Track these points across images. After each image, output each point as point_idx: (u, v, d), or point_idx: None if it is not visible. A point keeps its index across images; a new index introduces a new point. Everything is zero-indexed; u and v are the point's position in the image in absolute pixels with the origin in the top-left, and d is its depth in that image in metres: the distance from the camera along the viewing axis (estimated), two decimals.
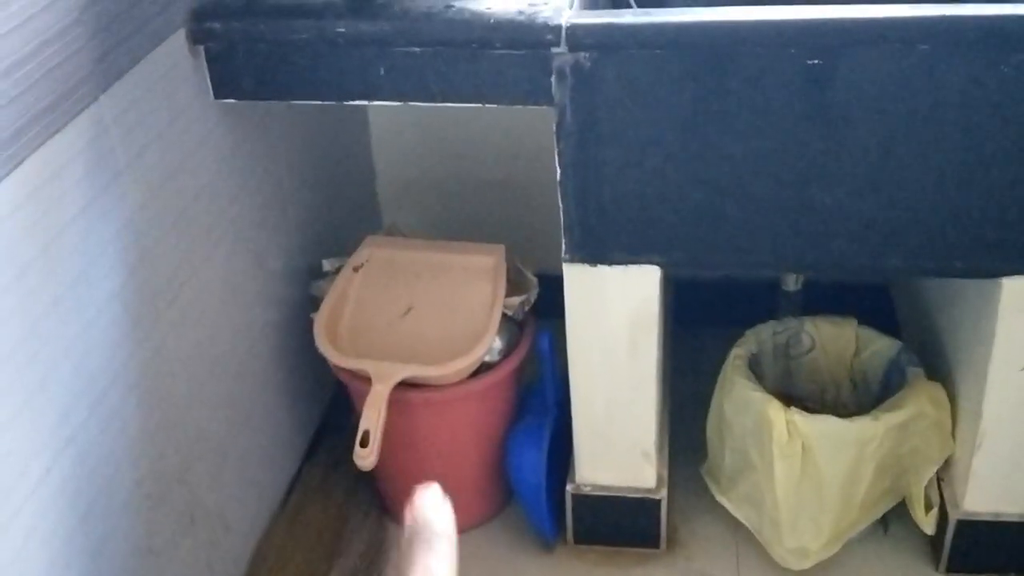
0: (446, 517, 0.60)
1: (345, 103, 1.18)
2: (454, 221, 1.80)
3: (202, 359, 1.22)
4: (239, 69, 1.18)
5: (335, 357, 1.31)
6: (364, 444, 1.24)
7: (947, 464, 1.37)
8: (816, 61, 1.09)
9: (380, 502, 1.51)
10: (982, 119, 1.09)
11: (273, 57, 1.16)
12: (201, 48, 1.17)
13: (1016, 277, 1.17)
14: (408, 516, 0.59)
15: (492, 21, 1.11)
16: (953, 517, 1.35)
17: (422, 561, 0.57)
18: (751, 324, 1.50)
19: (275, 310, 1.42)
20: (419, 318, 1.38)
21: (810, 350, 1.49)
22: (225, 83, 1.19)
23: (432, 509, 0.60)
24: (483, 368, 1.36)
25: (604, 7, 1.42)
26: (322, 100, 1.18)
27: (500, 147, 1.73)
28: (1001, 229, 1.14)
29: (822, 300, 1.54)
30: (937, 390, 1.34)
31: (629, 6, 1.51)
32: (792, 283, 1.53)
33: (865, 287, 1.70)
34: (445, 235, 1.55)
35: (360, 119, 1.75)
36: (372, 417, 1.24)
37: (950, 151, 1.11)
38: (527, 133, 1.67)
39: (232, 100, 1.21)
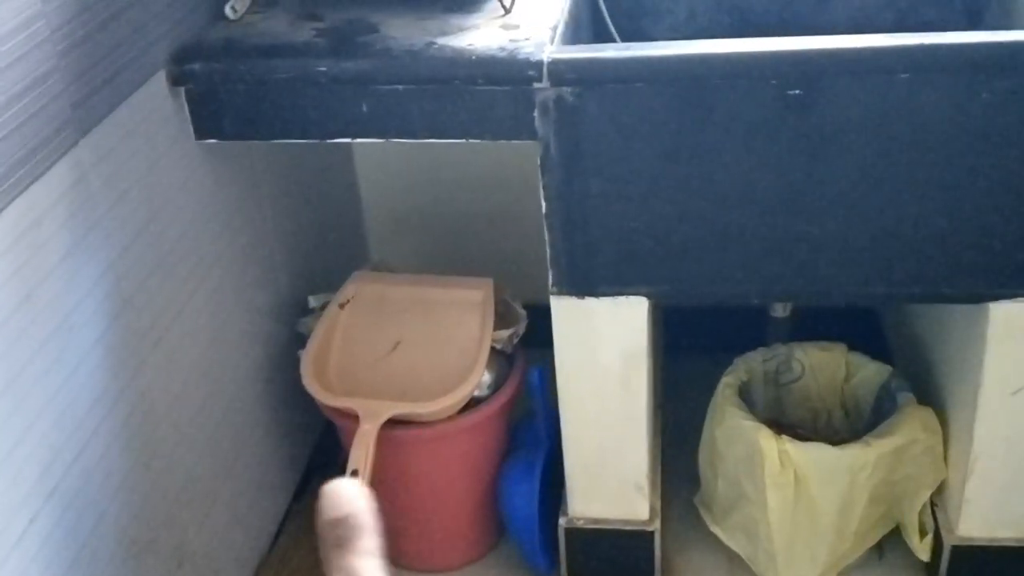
0: (366, 509, 0.52)
1: (328, 141, 1.18)
2: (443, 254, 1.79)
3: (188, 402, 1.21)
4: (220, 110, 1.17)
5: (322, 396, 1.30)
6: None
7: (940, 489, 1.36)
8: (797, 91, 1.09)
9: None
10: (964, 145, 1.09)
11: (254, 97, 1.16)
12: (181, 90, 1.17)
13: (1003, 302, 1.17)
14: (325, 513, 0.52)
15: (474, 58, 1.11)
16: (948, 543, 1.34)
17: (351, 565, 0.52)
18: (744, 349, 1.49)
19: (262, 348, 1.41)
20: (407, 354, 1.37)
21: (800, 376, 1.49)
22: (206, 124, 1.19)
23: (353, 500, 0.52)
24: (473, 403, 1.35)
25: (587, 41, 1.43)
26: (305, 139, 1.18)
27: (488, 179, 1.73)
28: (986, 254, 1.14)
29: (812, 325, 1.54)
30: (928, 415, 1.34)
31: (613, 39, 1.53)
32: (781, 310, 1.53)
33: (855, 312, 1.70)
34: (435, 268, 1.54)
35: (346, 154, 1.74)
36: (360, 456, 1.23)
37: (933, 178, 1.12)
38: (515, 165, 1.67)
39: (214, 140, 1.21)
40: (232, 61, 1.16)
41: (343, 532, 0.51)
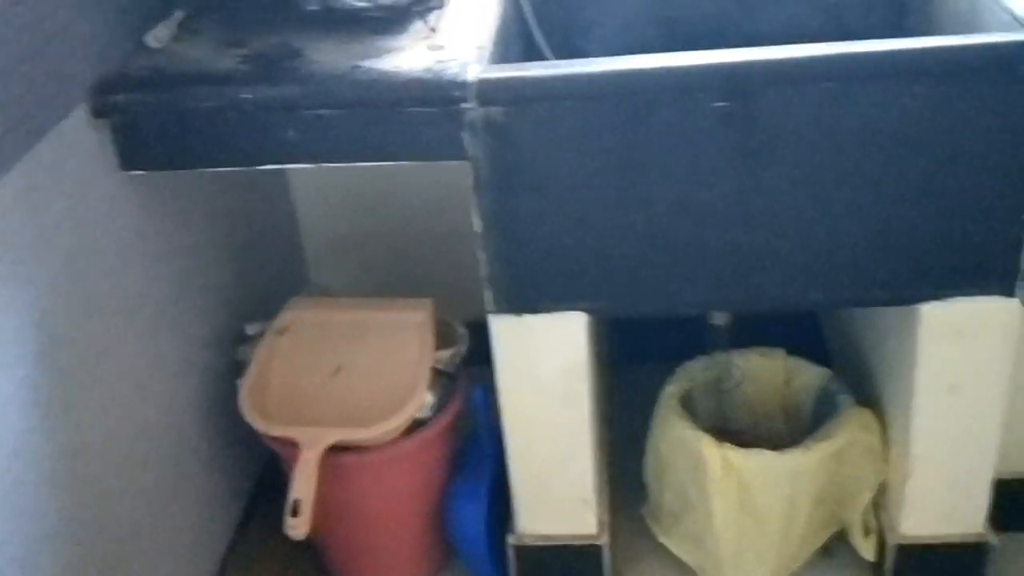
0: None
1: (257, 168, 1.17)
2: (385, 276, 1.78)
3: (122, 440, 1.18)
4: (145, 140, 1.16)
5: (261, 425, 1.29)
6: (295, 513, 1.21)
7: (883, 489, 1.38)
8: (724, 104, 1.10)
9: (321, 569, 1.48)
10: (888, 152, 1.11)
11: (179, 126, 1.14)
12: (105, 121, 1.15)
13: (933, 303, 1.19)
14: None
15: (399, 80, 1.10)
16: (892, 542, 1.36)
17: None
18: (690, 358, 1.50)
19: (200, 380, 1.39)
20: (348, 379, 1.36)
21: (741, 383, 1.50)
22: (132, 155, 1.17)
23: None
24: (417, 425, 1.34)
25: (517, 59, 1.43)
26: (232, 167, 1.16)
27: (426, 199, 1.72)
28: (915, 257, 1.16)
29: (752, 332, 1.55)
30: (867, 417, 1.36)
31: (544, 56, 1.53)
32: (720, 318, 1.54)
33: (795, 317, 1.72)
34: (376, 291, 1.53)
35: (282, 179, 1.73)
36: (302, 485, 1.22)
37: (860, 185, 1.13)
38: (452, 184, 1.64)
39: (141, 172, 1.19)
40: (155, 91, 1.14)
41: None
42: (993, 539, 1.34)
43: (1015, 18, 1.12)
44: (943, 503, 1.33)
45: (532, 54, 1.53)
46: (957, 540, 1.35)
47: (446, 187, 1.69)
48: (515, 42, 1.46)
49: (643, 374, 1.52)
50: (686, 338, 1.57)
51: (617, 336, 1.74)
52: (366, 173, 1.71)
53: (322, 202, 1.76)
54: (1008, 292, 1.18)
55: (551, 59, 1.54)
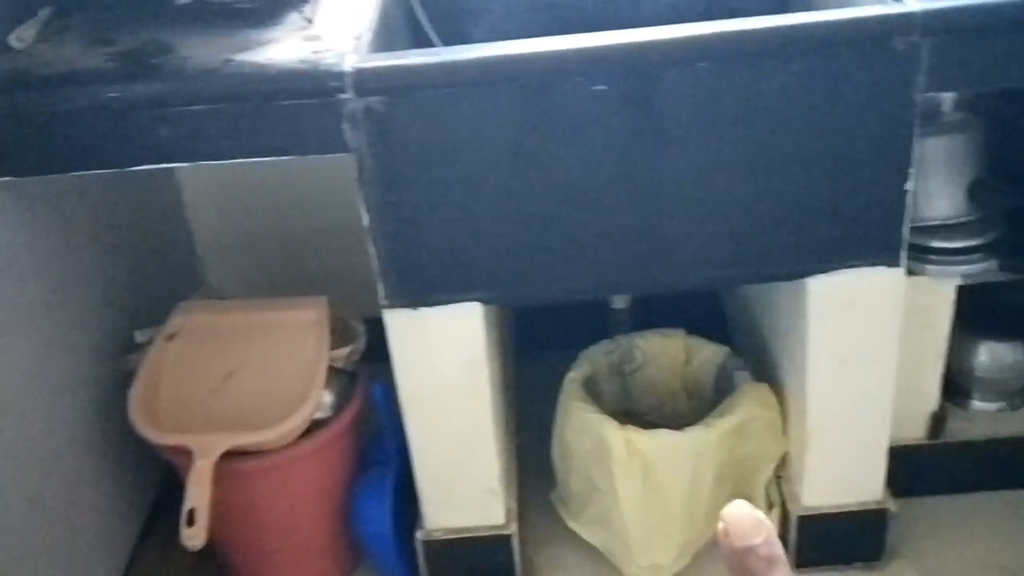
0: (769, 534, 0.45)
1: (130, 169, 1.12)
2: (281, 275, 1.75)
3: (6, 460, 1.13)
4: (11, 146, 1.10)
5: (152, 434, 1.25)
6: (191, 523, 1.18)
7: (784, 462, 1.40)
8: (606, 87, 1.09)
9: None
10: (770, 128, 1.12)
11: (46, 130, 1.09)
12: None
13: (819, 276, 1.21)
14: (734, 541, 0.44)
15: (273, 72, 1.07)
16: (794, 513, 1.38)
17: None
18: (594, 341, 1.50)
19: (88, 392, 1.34)
20: (242, 382, 1.33)
21: (643, 365, 1.51)
22: None
23: (760, 526, 0.45)
24: (317, 425, 1.32)
25: (405, 47, 1.41)
26: (104, 169, 1.12)
27: (320, 193, 1.69)
28: (799, 232, 1.18)
29: (655, 313, 1.56)
30: (765, 391, 1.37)
31: (433, 44, 1.51)
32: (620, 301, 1.55)
33: (696, 296, 1.74)
34: (274, 291, 1.49)
35: (169, 179, 1.68)
36: (197, 494, 1.18)
37: (745, 162, 1.14)
38: (343, 178, 1.64)
39: (8, 179, 1.14)
40: (19, 94, 1.09)
41: (756, 562, 0.44)
42: (892, 506, 1.37)
43: None
44: (842, 473, 1.36)
45: (423, 42, 1.51)
46: (857, 508, 1.37)
47: (339, 181, 1.66)
48: (402, 31, 1.44)
49: (549, 360, 1.52)
50: (590, 322, 1.58)
51: (520, 323, 1.74)
52: (258, 170, 1.66)
53: (214, 202, 1.71)
54: (893, 263, 1.21)
55: (440, 46, 1.52)
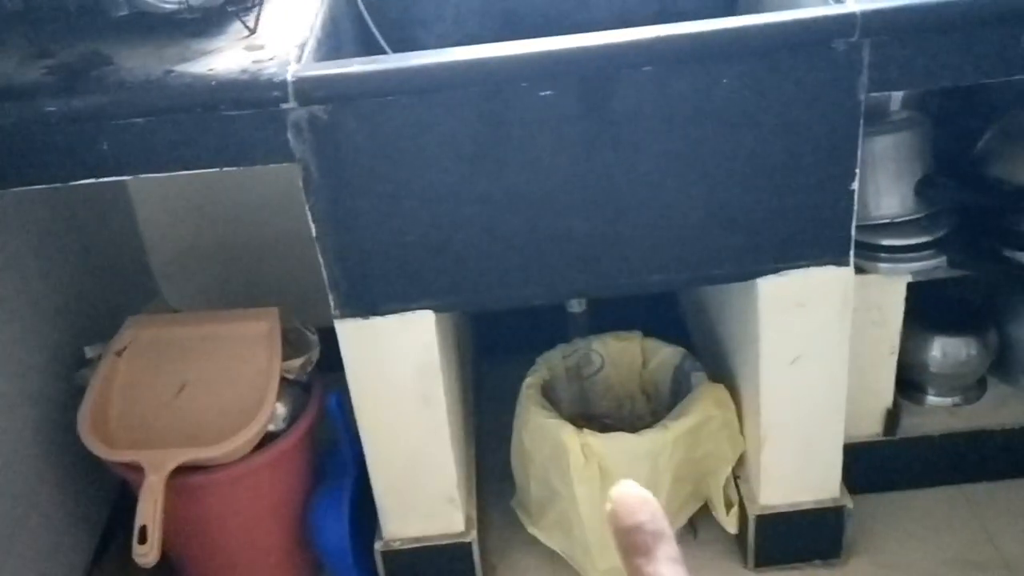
0: (661, 512, 0.45)
1: (71, 184, 1.11)
2: (235, 286, 1.73)
3: None
4: None
5: (102, 451, 1.23)
6: (143, 540, 1.17)
7: (741, 462, 1.41)
8: (552, 92, 1.09)
9: None
10: (717, 130, 1.12)
11: None
12: None
13: (769, 277, 1.21)
14: (620, 520, 0.44)
15: (214, 83, 1.06)
16: (752, 513, 1.38)
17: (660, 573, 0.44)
18: (552, 345, 1.50)
19: (38, 409, 1.32)
20: (194, 396, 1.31)
21: (601, 368, 1.51)
22: None
23: (646, 503, 0.46)
24: (271, 438, 1.31)
25: (354, 55, 1.40)
26: (45, 184, 1.10)
27: (272, 203, 1.68)
28: (747, 234, 1.18)
29: (613, 316, 1.56)
30: (721, 392, 1.38)
31: (383, 51, 1.50)
32: (576, 304, 1.54)
33: (653, 298, 1.74)
34: (228, 302, 1.48)
35: (119, 190, 1.66)
36: (148, 510, 1.17)
37: (693, 165, 1.14)
38: (296, 186, 1.63)
39: None
40: None
41: (643, 538, 0.44)
42: (849, 503, 1.38)
43: None
44: (798, 471, 1.36)
45: (373, 50, 1.50)
46: (814, 506, 1.38)
47: (290, 189, 1.65)
48: (351, 39, 1.43)
49: (507, 365, 1.52)
50: (548, 326, 1.58)
51: (478, 329, 1.73)
52: (209, 180, 1.65)
53: (165, 213, 1.70)
54: (842, 262, 1.22)
55: (389, 53, 1.51)
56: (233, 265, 1.72)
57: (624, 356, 1.50)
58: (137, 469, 1.22)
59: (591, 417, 1.50)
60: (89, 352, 1.37)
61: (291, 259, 1.68)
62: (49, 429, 1.33)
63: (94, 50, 1.14)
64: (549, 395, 1.43)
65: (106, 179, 1.11)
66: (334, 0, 1.32)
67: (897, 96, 1.40)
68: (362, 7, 1.46)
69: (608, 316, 1.57)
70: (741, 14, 1.47)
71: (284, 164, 1.12)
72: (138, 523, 1.17)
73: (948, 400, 1.52)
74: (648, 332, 1.54)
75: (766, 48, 1.09)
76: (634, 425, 1.38)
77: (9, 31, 1.22)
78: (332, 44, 1.25)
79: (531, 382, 1.43)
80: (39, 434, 1.31)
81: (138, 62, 1.11)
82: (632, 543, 0.44)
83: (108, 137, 1.07)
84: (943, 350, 1.49)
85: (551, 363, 1.47)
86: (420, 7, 1.52)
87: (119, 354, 1.32)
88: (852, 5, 1.07)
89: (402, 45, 1.52)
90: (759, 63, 1.09)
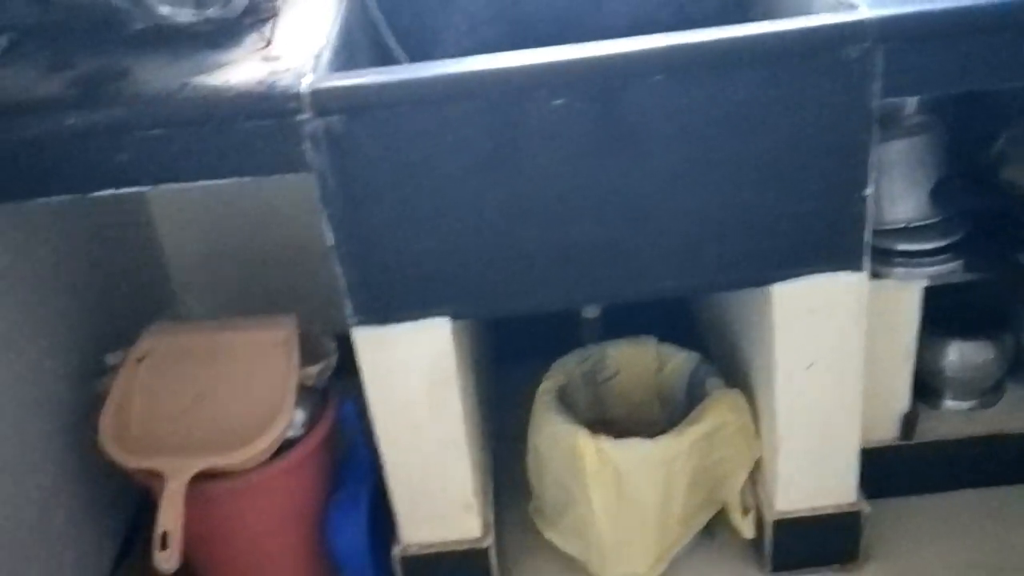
0: None
1: (91, 195, 1.12)
2: (253, 291, 1.75)
3: None
4: None
5: (122, 457, 1.24)
6: (164, 546, 1.18)
7: (757, 467, 1.41)
8: (567, 100, 1.10)
9: None
10: (729, 137, 1.12)
11: (6, 157, 1.09)
12: None
13: (783, 283, 1.21)
14: None
15: (231, 95, 1.07)
16: (769, 518, 1.38)
17: None
18: (567, 351, 1.50)
19: (58, 417, 1.33)
20: (213, 404, 1.32)
21: (616, 374, 1.51)
22: None
23: None
24: (289, 444, 1.32)
25: (369, 65, 1.41)
26: (65, 195, 1.12)
27: (289, 211, 1.69)
28: (761, 240, 1.18)
29: (627, 321, 1.57)
30: (736, 397, 1.38)
31: (398, 61, 1.52)
32: (591, 311, 1.55)
33: (667, 303, 1.74)
34: (246, 307, 1.49)
35: (138, 200, 1.68)
36: (169, 517, 1.18)
37: (707, 172, 1.14)
38: (312, 195, 1.64)
39: None
40: None
41: None
42: (866, 507, 1.38)
43: (841, 0, 1.15)
44: (814, 477, 1.36)
45: (388, 59, 1.52)
46: (831, 511, 1.38)
47: (308, 198, 1.66)
48: (366, 49, 1.44)
49: (522, 371, 1.52)
50: (562, 332, 1.58)
51: (493, 335, 1.74)
52: (227, 189, 1.66)
53: (184, 222, 1.71)
54: (856, 267, 1.22)
55: (405, 63, 1.53)
56: (250, 273, 1.74)
57: (639, 362, 1.51)
58: (157, 476, 1.23)
59: (606, 423, 1.50)
60: (109, 360, 1.39)
61: (307, 266, 1.70)
62: (70, 435, 1.35)
63: (112, 63, 1.16)
64: (564, 400, 1.43)
65: (125, 190, 1.12)
66: (349, 10, 1.34)
67: (911, 100, 1.39)
68: (377, 17, 1.47)
69: (622, 322, 1.58)
70: (753, 20, 1.48)
71: (300, 174, 1.13)
72: (159, 529, 1.19)
73: (965, 404, 1.52)
74: (662, 338, 1.54)
75: (779, 55, 1.09)
76: (649, 430, 1.38)
77: (29, 44, 1.24)
78: (347, 54, 1.26)
79: (546, 388, 1.43)
80: (60, 441, 1.33)
81: (156, 74, 1.12)
82: None
83: (126, 149, 1.08)
84: (960, 354, 1.48)
85: (566, 369, 1.48)
86: (434, 16, 1.53)
87: (139, 362, 1.34)
88: (865, 11, 1.07)
89: (416, 54, 1.53)
90: (772, 70, 1.09)
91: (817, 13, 1.19)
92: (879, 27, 1.06)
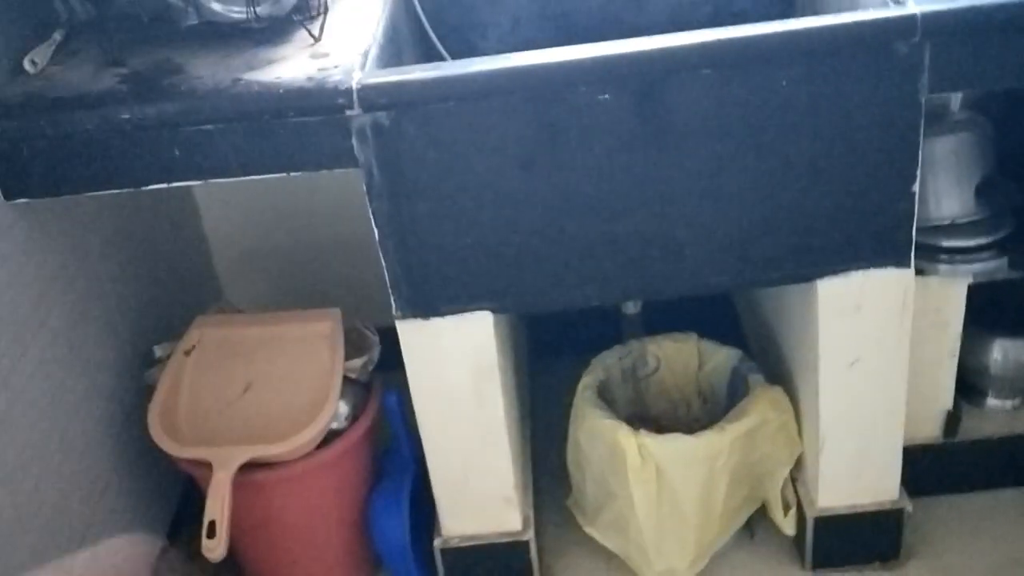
0: None
1: (144, 188, 1.14)
2: (297, 285, 1.77)
3: (26, 476, 1.16)
4: (26, 168, 1.13)
5: (171, 447, 1.27)
6: (211, 535, 1.20)
7: (798, 465, 1.40)
8: (612, 95, 1.10)
9: None
10: (777, 132, 1.12)
11: (60, 152, 1.12)
12: None
13: (829, 278, 1.21)
14: None
15: (282, 91, 1.09)
16: (810, 515, 1.38)
17: None
18: (606, 346, 1.51)
19: (107, 406, 1.36)
20: (259, 395, 1.34)
21: (657, 369, 1.51)
22: (14, 184, 1.14)
23: None
24: (333, 436, 1.33)
25: (414, 61, 1.43)
26: (118, 188, 1.14)
27: (334, 206, 1.71)
28: (806, 235, 1.18)
29: (668, 317, 1.57)
30: (778, 394, 1.38)
31: (442, 57, 1.52)
32: (632, 306, 1.55)
33: (709, 299, 1.74)
34: (290, 302, 1.51)
35: (186, 195, 1.70)
36: (216, 506, 1.20)
37: (754, 167, 1.14)
38: (357, 189, 1.66)
39: (24, 200, 1.16)
40: (33, 116, 1.11)
41: None
42: (908, 505, 1.37)
43: None
44: (856, 474, 1.36)
45: (432, 55, 1.53)
46: (873, 509, 1.38)
47: (353, 192, 1.68)
48: (411, 45, 1.46)
49: (562, 366, 1.53)
50: (603, 328, 1.58)
51: (534, 330, 1.75)
52: (273, 184, 1.68)
53: (230, 216, 1.74)
54: (902, 263, 1.21)
55: (448, 60, 1.54)
56: (295, 267, 1.76)
57: (680, 358, 1.51)
58: (205, 466, 1.26)
59: (646, 419, 1.51)
60: (158, 351, 1.41)
61: (351, 260, 1.72)
62: (119, 425, 1.38)
63: (165, 59, 1.18)
64: (604, 396, 1.44)
65: (175, 184, 1.14)
66: (394, 8, 1.35)
67: (957, 97, 1.38)
68: (421, 14, 1.48)
69: (663, 317, 1.58)
70: (798, 15, 1.48)
71: (344, 169, 1.15)
72: (207, 519, 1.21)
73: (1008, 403, 1.50)
74: (703, 334, 1.54)
75: (825, 50, 1.09)
76: (689, 427, 1.39)
77: (83, 41, 1.26)
78: (393, 51, 1.28)
79: (587, 383, 1.44)
80: (109, 430, 1.36)
81: (208, 70, 1.14)
82: None
83: (179, 143, 1.11)
84: (1004, 352, 1.47)
85: (607, 364, 1.48)
86: (478, 13, 1.54)
87: (187, 354, 1.36)
88: (913, 6, 1.07)
89: (461, 51, 1.54)
90: (818, 65, 1.09)
91: (864, 8, 1.19)
92: (928, 22, 1.05)
